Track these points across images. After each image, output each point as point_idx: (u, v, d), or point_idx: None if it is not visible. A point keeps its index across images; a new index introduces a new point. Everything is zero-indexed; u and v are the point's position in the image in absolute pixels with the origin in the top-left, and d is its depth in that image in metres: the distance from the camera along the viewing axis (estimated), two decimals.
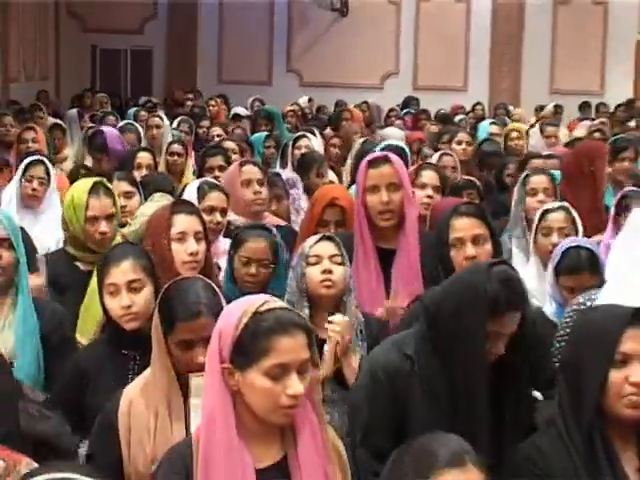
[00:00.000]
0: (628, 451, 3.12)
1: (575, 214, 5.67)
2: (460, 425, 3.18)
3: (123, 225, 5.95)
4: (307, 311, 4.35)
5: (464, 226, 4.48)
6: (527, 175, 6.59)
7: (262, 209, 6.29)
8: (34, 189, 6.70)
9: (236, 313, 2.93)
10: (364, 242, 4.99)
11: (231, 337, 2.89)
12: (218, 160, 7.45)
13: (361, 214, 5.02)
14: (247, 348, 2.86)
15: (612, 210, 6.03)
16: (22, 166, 6.80)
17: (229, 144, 8.73)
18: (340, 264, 4.42)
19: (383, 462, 2.79)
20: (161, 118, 10.68)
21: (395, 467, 2.62)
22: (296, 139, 9.44)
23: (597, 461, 3.03)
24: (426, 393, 3.50)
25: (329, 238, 4.52)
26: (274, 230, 5.19)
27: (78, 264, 5.05)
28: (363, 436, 3.65)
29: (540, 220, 5.55)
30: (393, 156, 5.23)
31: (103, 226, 5.03)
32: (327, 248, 4.45)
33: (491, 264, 3.49)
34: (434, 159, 8.03)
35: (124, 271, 3.97)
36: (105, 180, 5.42)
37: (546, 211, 5.61)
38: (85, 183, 5.23)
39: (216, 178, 6.74)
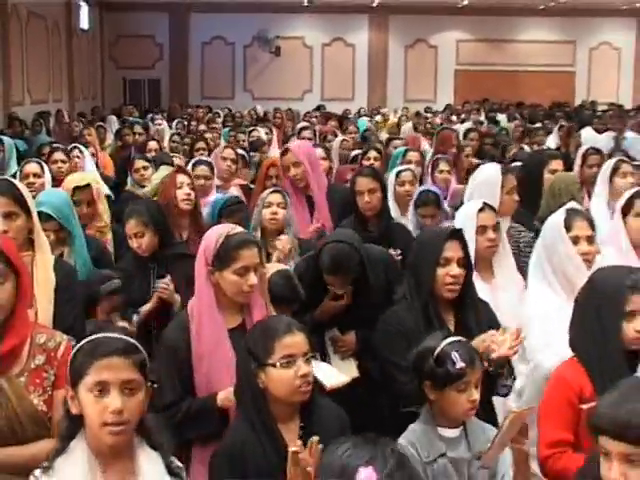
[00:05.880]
0: (449, 315, 3.03)
1: (417, 172, 5.65)
2: None
3: (143, 186, 5.94)
4: (259, 235, 4.19)
5: (362, 182, 4.40)
6: (407, 150, 6.54)
7: (228, 177, 6.11)
8: (75, 163, 6.54)
9: (216, 235, 2.89)
10: (297, 194, 4.86)
11: (212, 250, 2.85)
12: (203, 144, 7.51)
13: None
14: (222, 257, 2.82)
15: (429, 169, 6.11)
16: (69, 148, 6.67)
17: (208, 135, 8.83)
18: (283, 208, 4.28)
19: None
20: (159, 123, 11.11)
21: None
22: (250, 131, 9.35)
23: (431, 322, 2.94)
24: None
25: (279, 191, 4.41)
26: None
27: None
28: None
29: (397, 177, 5.36)
30: (295, 145, 5.22)
31: None
32: (276, 197, 4.32)
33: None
34: (337, 142, 8.02)
35: (130, 227, 4.03)
36: None
37: (400, 171, 5.42)
38: None
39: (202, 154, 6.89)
